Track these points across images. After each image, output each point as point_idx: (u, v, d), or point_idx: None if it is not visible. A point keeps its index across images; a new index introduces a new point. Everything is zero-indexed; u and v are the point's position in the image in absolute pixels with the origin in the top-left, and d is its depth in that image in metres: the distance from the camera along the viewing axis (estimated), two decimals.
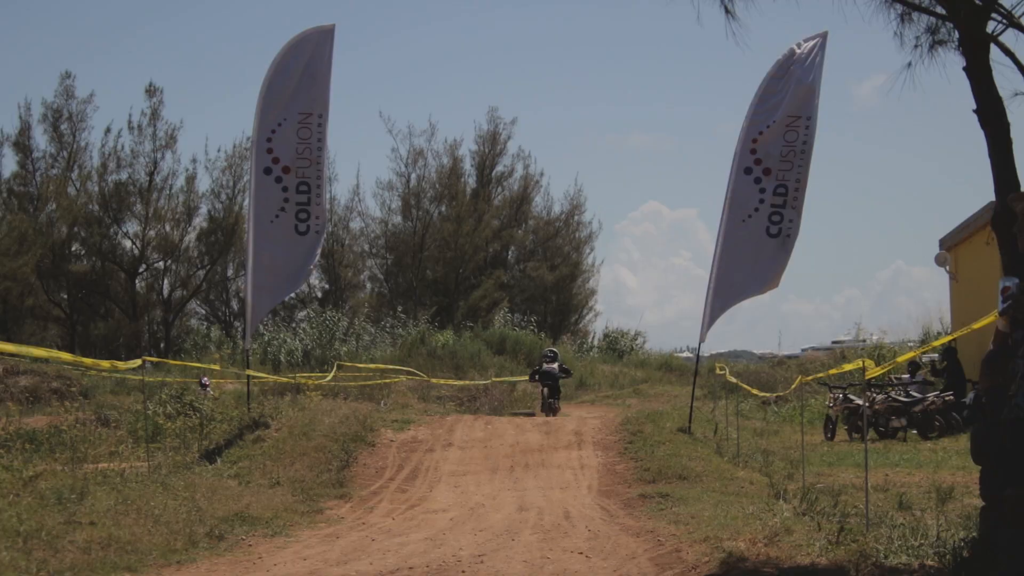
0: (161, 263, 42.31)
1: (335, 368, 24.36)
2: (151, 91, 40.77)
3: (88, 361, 13.36)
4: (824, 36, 16.25)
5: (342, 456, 14.03)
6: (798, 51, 16.32)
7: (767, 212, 16.42)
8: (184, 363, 23.86)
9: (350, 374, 24.93)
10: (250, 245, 16.36)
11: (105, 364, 12.91)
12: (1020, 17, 7.73)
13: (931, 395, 19.12)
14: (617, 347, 40.54)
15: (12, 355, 19.62)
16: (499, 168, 47.51)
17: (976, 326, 8.31)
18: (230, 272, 43.74)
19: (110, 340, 39.32)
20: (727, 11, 8.45)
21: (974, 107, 7.69)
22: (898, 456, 16.20)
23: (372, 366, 26.15)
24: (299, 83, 16.29)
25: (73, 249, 41.40)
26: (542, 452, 15.04)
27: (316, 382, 21.87)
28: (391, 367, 26.27)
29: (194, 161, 43.26)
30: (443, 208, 45.52)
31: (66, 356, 12.47)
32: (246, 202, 39.09)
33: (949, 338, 12.72)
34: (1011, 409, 6.21)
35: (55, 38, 69.82)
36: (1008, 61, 7.63)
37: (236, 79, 79.49)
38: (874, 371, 9.70)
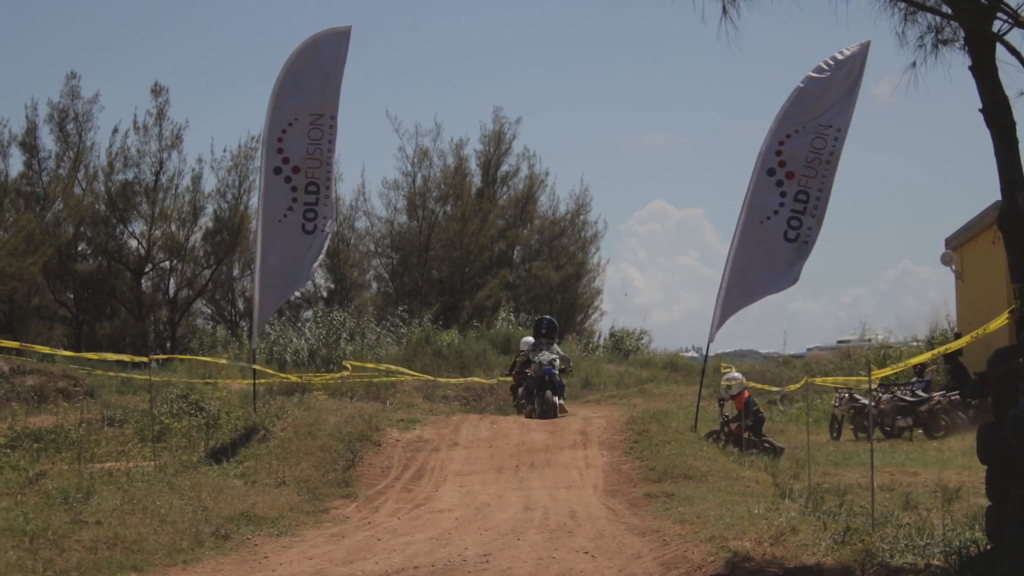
0: (167, 263, 42.30)
1: (344, 368, 24.36)
2: (156, 91, 40.68)
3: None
4: (866, 46, 15.86)
5: (348, 456, 14.03)
6: (840, 58, 15.95)
7: (786, 216, 16.07)
8: (192, 356, 23.83)
9: (355, 373, 24.94)
10: (258, 244, 16.39)
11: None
12: None
13: (936, 394, 19.10)
14: (622, 346, 40.45)
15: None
16: (504, 168, 47.43)
17: (985, 331, 8.31)
18: (236, 272, 43.76)
19: (116, 340, 39.28)
20: (724, 11, 8.44)
21: (980, 106, 7.68)
22: (904, 456, 16.19)
23: (382, 366, 26.13)
24: (312, 84, 16.24)
25: (79, 249, 41.43)
26: (547, 452, 15.02)
27: (326, 380, 21.88)
28: (396, 367, 26.25)
29: (200, 161, 43.20)
30: (448, 208, 45.49)
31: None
32: (252, 202, 39.34)
33: (957, 345, 12.64)
34: (1018, 409, 6.20)
35: (60, 38, 70.00)
36: (1014, 60, 7.62)
37: (241, 79, 79.66)
38: (880, 372, 9.71)
